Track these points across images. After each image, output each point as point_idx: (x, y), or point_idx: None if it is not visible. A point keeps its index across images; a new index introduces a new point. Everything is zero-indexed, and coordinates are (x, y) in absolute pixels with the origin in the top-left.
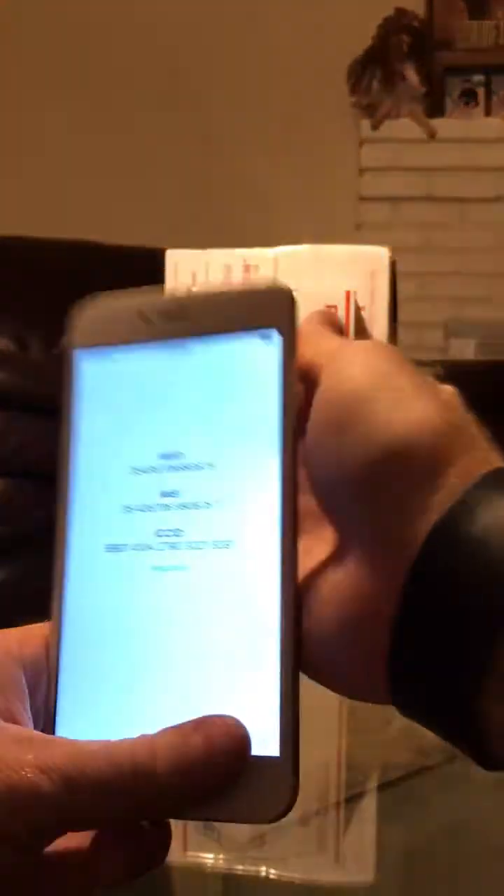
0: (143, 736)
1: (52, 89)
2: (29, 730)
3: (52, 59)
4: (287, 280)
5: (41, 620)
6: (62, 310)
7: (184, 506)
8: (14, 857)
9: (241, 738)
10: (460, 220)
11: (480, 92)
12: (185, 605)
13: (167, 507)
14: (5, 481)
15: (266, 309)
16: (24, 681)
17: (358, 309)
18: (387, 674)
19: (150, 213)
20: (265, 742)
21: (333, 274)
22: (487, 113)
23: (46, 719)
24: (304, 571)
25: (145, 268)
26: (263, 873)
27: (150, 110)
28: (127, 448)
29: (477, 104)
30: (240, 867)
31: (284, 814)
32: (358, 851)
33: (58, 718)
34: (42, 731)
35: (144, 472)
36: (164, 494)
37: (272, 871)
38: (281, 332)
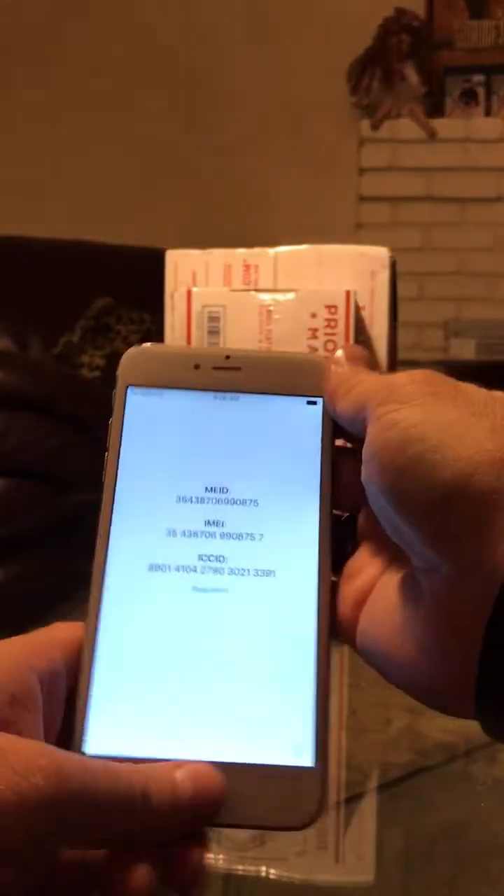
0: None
1: (51, 89)
2: (39, 742)
3: (53, 59)
4: (287, 280)
5: (41, 619)
6: (62, 310)
7: (228, 535)
8: (16, 873)
9: (220, 784)
10: (460, 220)
11: (480, 92)
12: (224, 625)
13: (211, 534)
14: (5, 481)
15: (312, 379)
16: (38, 690)
17: (358, 309)
18: (475, 696)
19: (150, 213)
20: (299, 753)
21: (333, 274)
22: (487, 113)
23: (78, 729)
24: (381, 599)
25: (145, 268)
26: (263, 873)
27: (150, 110)
28: (173, 479)
29: (477, 104)
30: (240, 867)
31: (314, 821)
32: (358, 851)
33: (88, 729)
34: (69, 741)
35: (189, 501)
36: (209, 523)
37: (272, 870)
38: (325, 400)
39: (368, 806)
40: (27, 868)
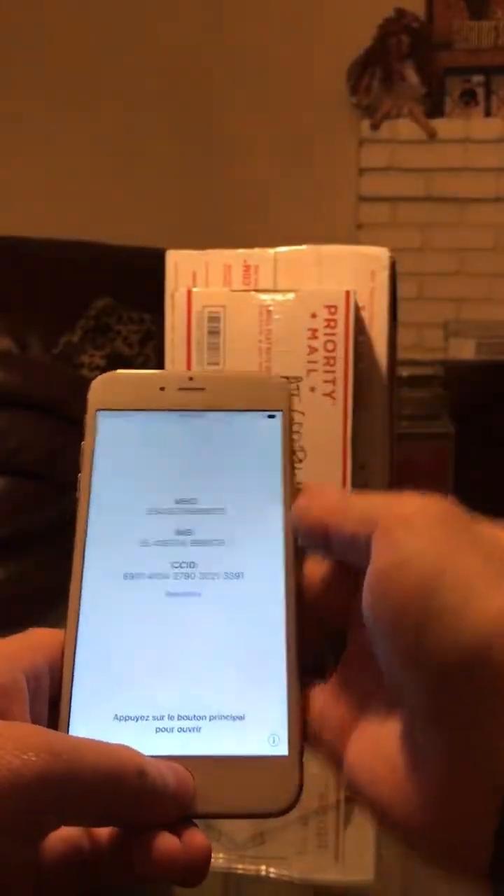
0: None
1: (52, 89)
2: (29, 724)
3: (53, 60)
4: (287, 280)
5: (41, 618)
6: (62, 310)
7: (198, 542)
8: (13, 846)
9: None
10: (460, 221)
11: (480, 92)
12: (197, 625)
13: (182, 543)
14: (5, 480)
15: (270, 394)
16: (25, 685)
17: (358, 309)
18: (491, 874)
19: (150, 213)
20: (274, 743)
21: (333, 274)
22: (487, 113)
23: (59, 730)
24: (373, 740)
25: (145, 268)
26: (263, 872)
27: (150, 110)
28: (144, 493)
29: (477, 104)
30: (240, 866)
31: (290, 808)
32: (358, 850)
33: (71, 731)
34: None
35: (160, 513)
36: (180, 532)
37: (272, 869)
38: (283, 414)
39: None
40: (23, 843)
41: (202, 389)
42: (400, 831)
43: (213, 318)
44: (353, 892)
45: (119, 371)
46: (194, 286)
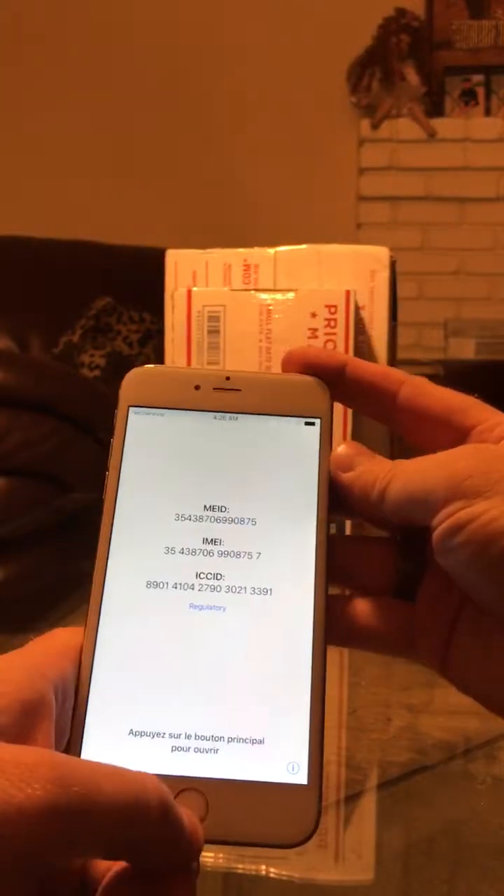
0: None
1: (52, 89)
2: (43, 750)
3: (53, 60)
4: (287, 280)
5: (41, 619)
6: (62, 310)
7: (226, 553)
8: (15, 884)
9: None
10: (460, 220)
11: (480, 92)
12: (220, 642)
13: (209, 552)
14: (5, 480)
15: (310, 400)
16: (52, 698)
17: (358, 308)
18: None
19: (150, 213)
20: (294, 770)
21: (333, 274)
22: (487, 113)
23: (72, 742)
24: (478, 643)
25: (145, 268)
26: (263, 872)
27: (150, 110)
28: (172, 497)
29: (477, 104)
30: (240, 866)
31: (306, 840)
32: (357, 850)
33: (84, 745)
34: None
35: (188, 519)
36: (207, 541)
37: (272, 869)
38: (322, 422)
39: (368, 805)
40: (24, 881)
41: (238, 391)
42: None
43: (213, 318)
44: (352, 891)
45: (154, 366)
46: (194, 286)
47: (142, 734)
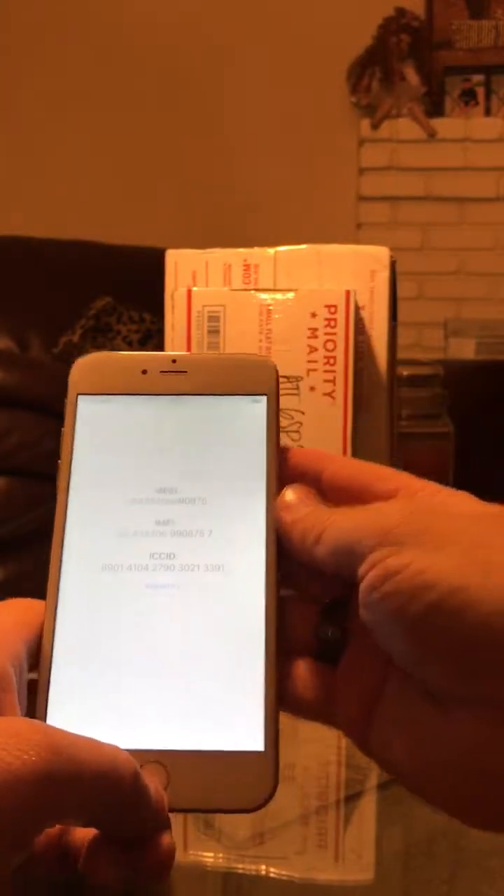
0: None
1: (52, 89)
2: (28, 719)
3: (53, 59)
4: (287, 280)
5: None
6: (62, 310)
7: (178, 533)
8: (9, 850)
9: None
10: (460, 220)
11: (480, 92)
12: (176, 618)
13: (162, 533)
14: (5, 480)
15: (256, 378)
16: (12, 672)
17: (357, 309)
18: None
19: (150, 213)
20: (250, 738)
21: (333, 274)
22: (487, 113)
23: (38, 715)
24: (399, 713)
25: (145, 267)
26: (263, 872)
27: (150, 110)
28: (124, 482)
29: (477, 104)
30: (240, 866)
31: (264, 804)
32: (357, 850)
33: (49, 721)
34: None
35: (140, 502)
36: (159, 523)
37: (272, 869)
38: (269, 398)
39: (368, 805)
40: (21, 845)
41: (184, 373)
42: (430, 796)
43: (213, 318)
44: (352, 891)
45: (101, 353)
46: (194, 286)
47: (104, 710)
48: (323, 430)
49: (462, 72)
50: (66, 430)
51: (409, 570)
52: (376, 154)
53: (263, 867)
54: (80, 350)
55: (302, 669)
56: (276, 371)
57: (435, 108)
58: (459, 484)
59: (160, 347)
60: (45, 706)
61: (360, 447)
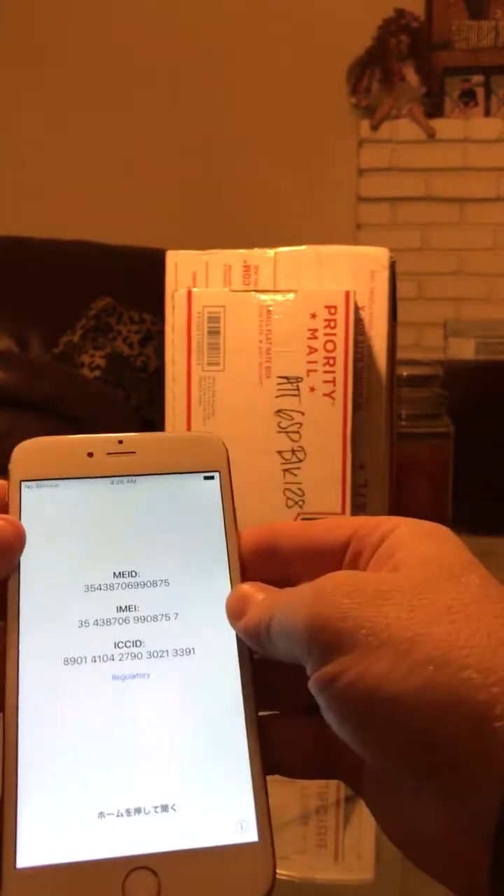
0: None
1: (52, 89)
2: None
3: (53, 59)
4: (287, 280)
5: None
6: (62, 310)
7: (143, 618)
8: None
9: None
10: (459, 221)
11: (480, 92)
12: (149, 709)
13: (125, 620)
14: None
15: (206, 454)
16: None
17: (357, 309)
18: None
19: (150, 213)
20: (243, 829)
21: (333, 274)
22: (487, 113)
23: (8, 843)
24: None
25: (145, 268)
26: None
27: (150, 111)
28: (79, 568)
29: (476, 104)
30: None
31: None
32: (357, 849)
33: (20, 843)
34: None
35: (99, 588)
36: (121, 609)
37: None
38: (221, 474)
39: None
40: None
41: (132, 453)
42: (412, 856)
43: (213, 318)
44: (352, 891)
45: (42, 438)
46: (194, 286)
47: (80, 817)
48: (323, 431)
49: (462, 72)
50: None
51: (340, 683)
52: (376, 155)
53: None
54: (81, 350)
55: (289, 732)
56: (225, 447)
57: (434, 108)
58: (459, 484)
59: (160, 348)
60: (15, 818)
61: (360, 448)
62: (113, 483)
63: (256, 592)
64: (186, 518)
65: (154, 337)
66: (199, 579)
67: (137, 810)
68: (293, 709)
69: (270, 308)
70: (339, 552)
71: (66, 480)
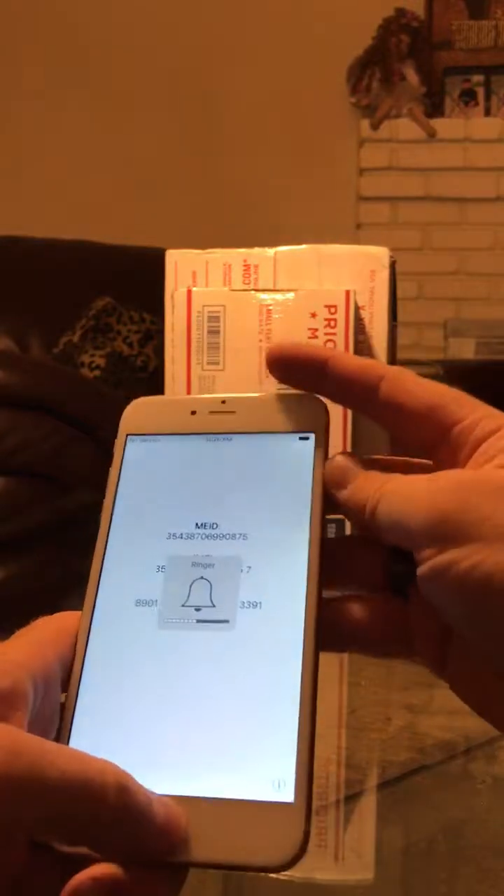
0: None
1: (52, 89)
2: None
3: (54, 60)
4: (287, 280)
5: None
6: (62, 310)
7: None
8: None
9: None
10: (460, 220)
11: (480, 92)
12: (207, 658)
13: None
14: (6, 480)
15: (305, 416)
16: (30, 689)
17: (357, 309)
18: None
19: (150, 214)
20: (281, 787)
21: (333, 274)
22: (487, 113)
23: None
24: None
25: (145, 268)
26: (263, 872)
27: (150, 111)
28: (164, 517)
29: (476, 104)
30: None
31: (294, 862)
32: (357, 849)
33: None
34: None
35: (179, 537)
36: (197, 558)
37: None
38: (316, 436)
39: (368, 804)
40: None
41: (233, 413)
42: (498, 726)
43: (213, 318)
44: (352, 891)
45: (153, 397)
46: (194, 286)
47: (125, 745)
48: None
49: (462, 72)
50: (112, 469)
51: (458, 569)
52: (376, 154)
53: None
54: (81, 350)
55: (375, 606)
56: (325, 409)
57: (435, 108)
58: None
59: (160, 348)
60: (69, 732)
61: (360, 448)
62: (209, 441)
63: (355, 466)
64: (275, 476)
65: (154, 336)
66: (276, 535)
67: (179, 751)
68: (370, 590)
69: (270, 307)
70: (438, 429)
71: (167, 436)
